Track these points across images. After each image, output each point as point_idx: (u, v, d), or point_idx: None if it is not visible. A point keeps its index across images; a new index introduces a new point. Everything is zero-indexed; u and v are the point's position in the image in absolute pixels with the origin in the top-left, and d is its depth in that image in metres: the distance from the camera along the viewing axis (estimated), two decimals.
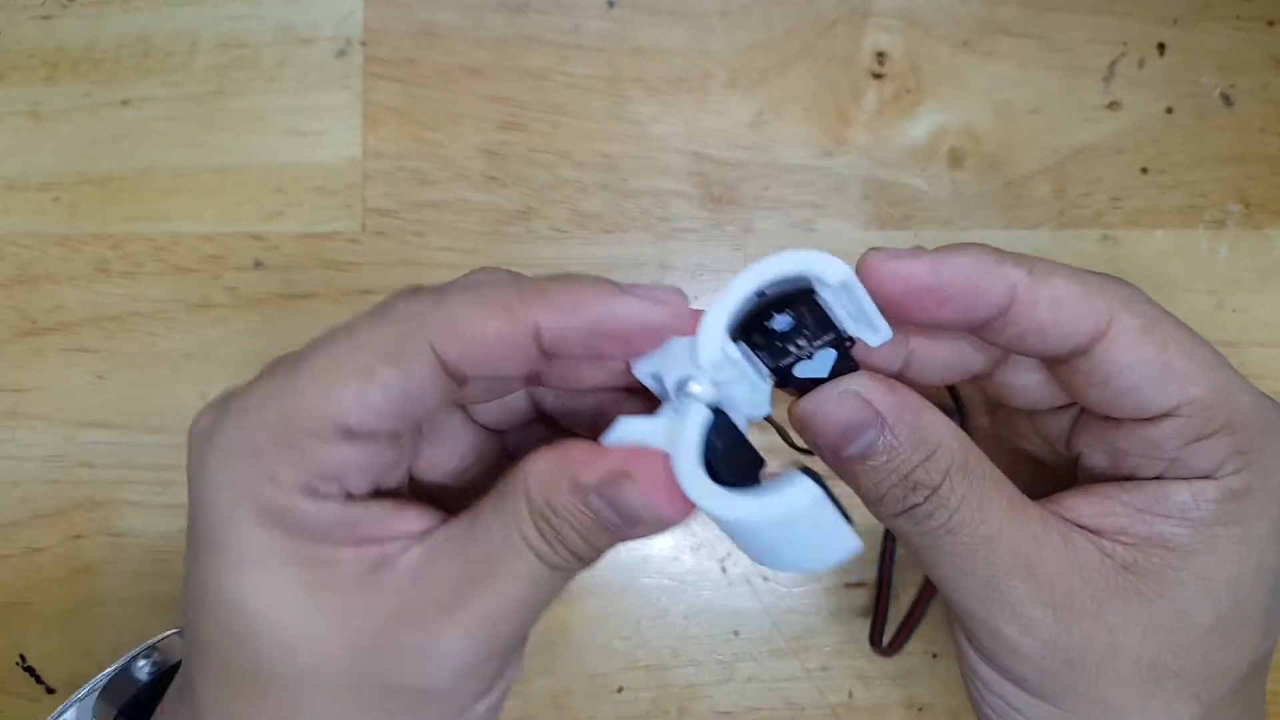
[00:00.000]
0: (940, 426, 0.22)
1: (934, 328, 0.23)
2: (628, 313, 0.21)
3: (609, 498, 0.21)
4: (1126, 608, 0.22)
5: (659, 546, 0.37)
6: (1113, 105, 0.38)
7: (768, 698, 0.36)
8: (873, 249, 0.22)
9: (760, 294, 0.21)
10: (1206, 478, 0.22)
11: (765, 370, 0.22)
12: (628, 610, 0.36)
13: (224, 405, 0.23)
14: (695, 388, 0.21)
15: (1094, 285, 0.22)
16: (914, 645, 0.37)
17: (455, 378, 0.22)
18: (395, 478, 0.24)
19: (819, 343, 0.22)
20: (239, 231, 0.37)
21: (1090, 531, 0.22)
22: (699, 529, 0.37)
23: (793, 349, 0.22)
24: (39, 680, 0.36)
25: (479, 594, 0.21)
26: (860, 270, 0.21)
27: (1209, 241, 0.38)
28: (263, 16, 0.38)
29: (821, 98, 0.38)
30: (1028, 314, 0.21)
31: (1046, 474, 0.26)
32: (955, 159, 0.38)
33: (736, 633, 0.37)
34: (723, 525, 0.21)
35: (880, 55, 0.38)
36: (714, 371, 0.21)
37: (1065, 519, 0.23)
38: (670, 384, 0.22)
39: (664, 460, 0.21)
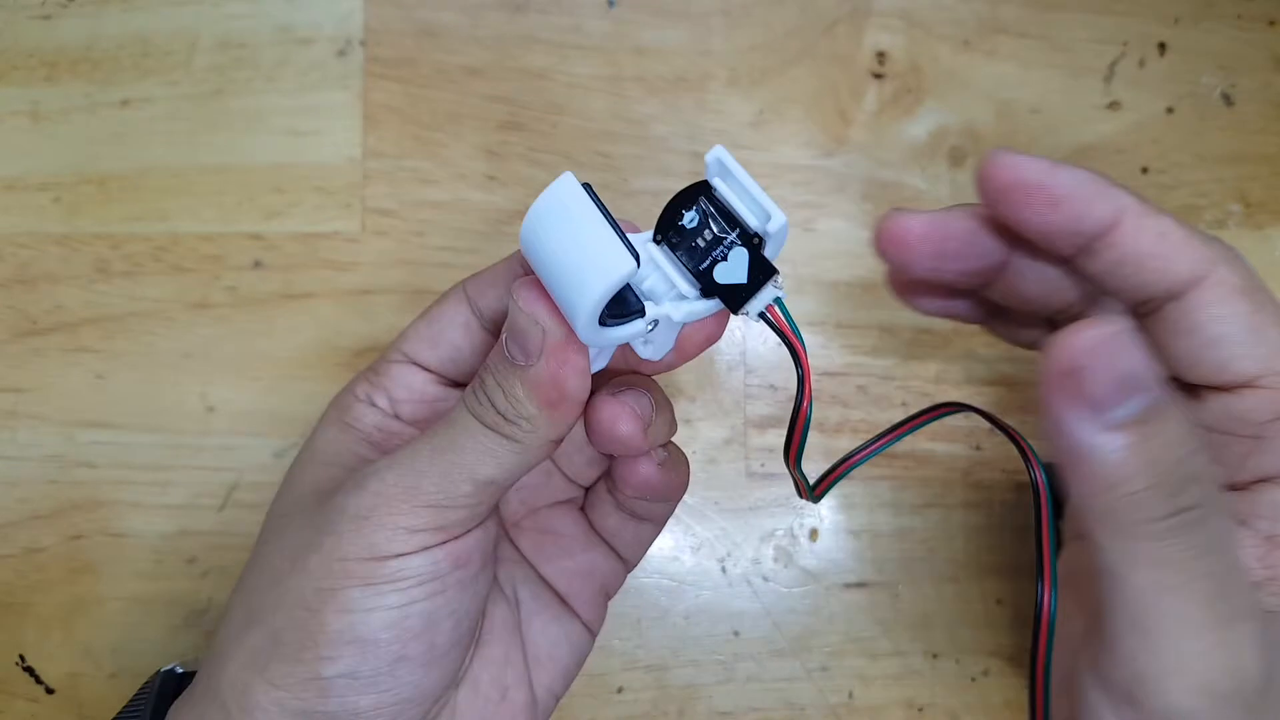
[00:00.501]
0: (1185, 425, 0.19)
1: (1035, 249, 0.23)
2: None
3: (508, 330, 0.23)
4: None
5: (659, 546, 0.37)
6: (1113, 105, 0.38)
7: (768, 698, 0.36)
8: (995, 149, 0.22)
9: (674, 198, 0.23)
10: None
11: (688, 274, 0.23)
12: (627, 610, 0.36)
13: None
14: None
15: (1200, 235, 0.21)
16: (914, 645, 0.37)
17: (479, 317, 0.27)
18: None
19: (728, 239, 0.22)
20: (238, 231, 0.37)
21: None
22: (699, 529, 0.37)
23: (700, 244, 0.22)
24: (38, 680, 0.36)
25: (420, 442, 0.24)
26: (982, 164, 0.22)
27: None
28: (262, 16, 0.37)
29: (822, 97, 0.38)
30: (1132, 239, 0.21)
31: None
32: (956, 159, 0.38)
33: (736, 633, 0.37)
34: (530, 258, 0.22)
35: (881, 55, 0.38)
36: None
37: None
38: None
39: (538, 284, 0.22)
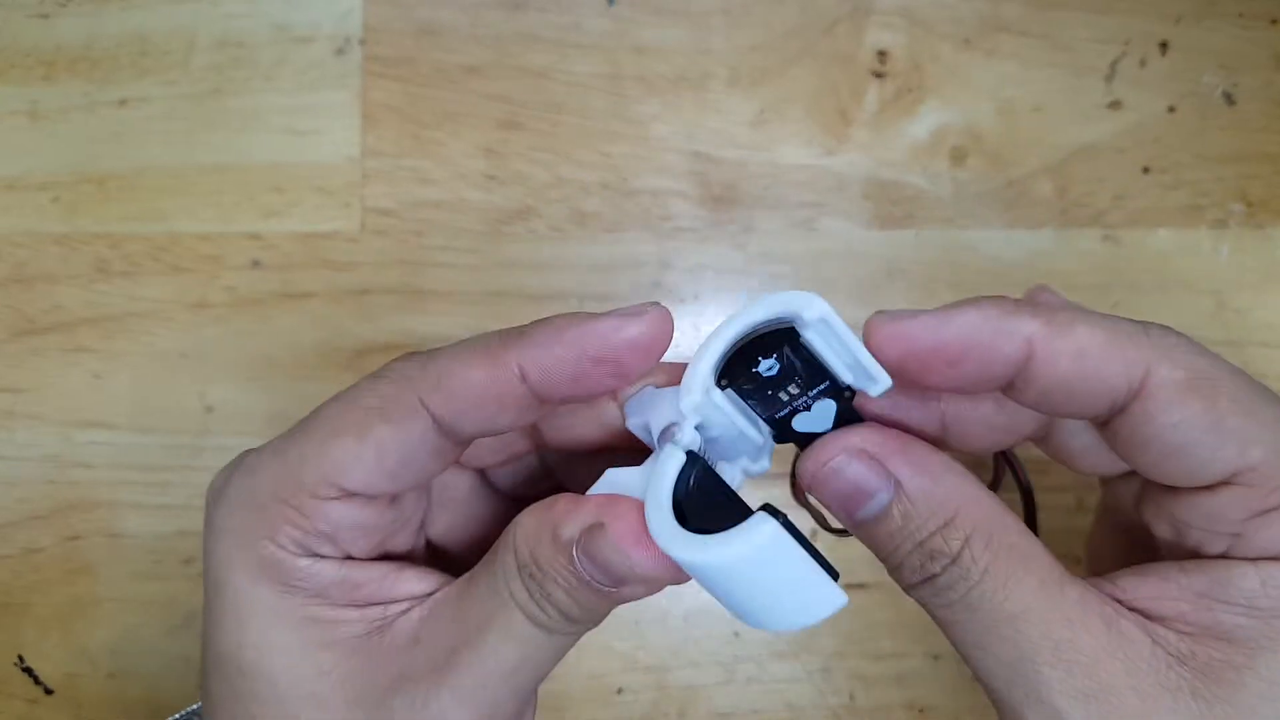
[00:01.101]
0: (962, 490, 0.20)
1: (960, 390, 0.21)
2: (604, 329, 0.20)
3: (588, 551, 0.20)
4: (1176, 707, 0.19)
5: None
6: (1115, 104, 0.38)
7: (768, 699, 0.36)
8: (877, 312, 0.20)
9: (747, 339, 0.20)
10: (1277, 559, 0.19)
11: (760, 421, 0.21)
12: (627, 611, 0.36)
13: (237, 463, 0.23)
14: (677, 434, 0.20)
15: (1125, 334, 0.19)
16: (915, 647, 0.36)
17: (452, 436, 0.21)
18: (403, 541, 0.24)
19: (814, 392, 0.21)
20: (237, 231, 0.37)
21: (1144, 615, 0.20)
22: None
23: (784, 397, 0.21)
24: (37, 681, 0.36)
25: (469, 656, 0.21)
26: (865, 335, 0.20)
27: (1211, 241, 0.38)
28: (261, 15, 0.37)
29: (822, 97, 0.38)
30: (1049, 370, 0.19)
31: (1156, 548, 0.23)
32: (957, 158, 0.38)
33: (737, 634, 0.36)
34: (695, 574, 0.20)
35: (881, 54, 0.38)
36: (695, 415, 0.20)
37: (1116, 600, 0.20)
38: (656, 432, 0.21)
39: (637, 507, 0.20)
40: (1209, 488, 0.20)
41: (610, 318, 0.20)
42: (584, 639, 0.36)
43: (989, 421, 0.22)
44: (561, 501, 0.21)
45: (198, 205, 0.37)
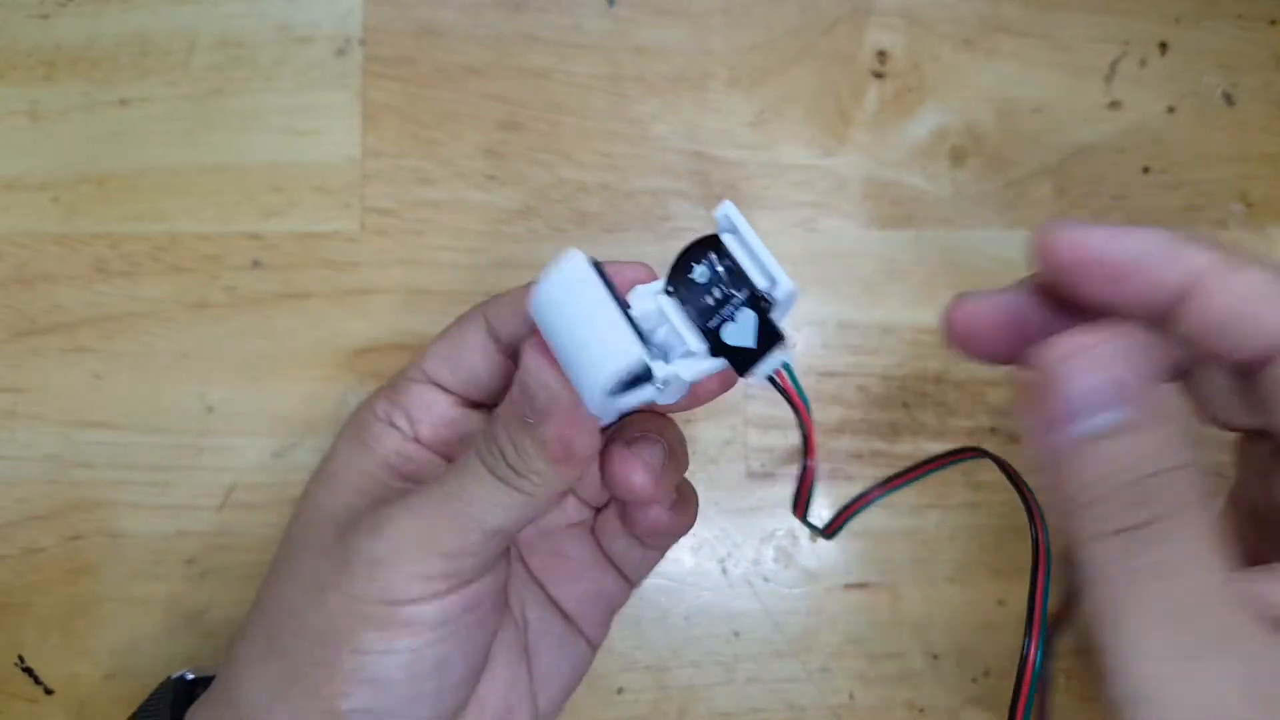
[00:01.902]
0: (1184, 438, 0.18)
1: (1114, 310, 0.20)
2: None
3: (518, 384, 0.23)
4: None
5: None
6: (1114, 104, 0.38)
7: (768, 699, 0.36)
8: (1049, 223, 0.20)
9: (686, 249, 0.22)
10: None
11: (699, 332, 0.22)
12: (627, 611, 0.36)
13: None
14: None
15: None
16: (915, 646, 0.36)
17: (496, 340, 0.27)
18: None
19: (735, 298, 0.22)
20: (237, 231, 0.37)
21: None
22: (700, 529, 0.37)
23: (710, 301, 0.22)
24: (37, 681, 0.36)
25: (426, 486, 0.25)
26: (1035, 236, 0.20)
27: None
28: (261, 15, 0.37)
29: (822, 97, 0.38)
30: (1211, 305, 0.19)
31: None
32: (957, 158, 0.38)
33: (737, 634, 0.36)
34: (540, 324, 0.22)
35: (881, 54, 0.38)
36: (644, 321, 0.22)
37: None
38: None
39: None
40: None
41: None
42: None
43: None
44: None
45: (198, 205, 0.37)
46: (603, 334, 0.21)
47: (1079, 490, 0.18)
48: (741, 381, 0.24)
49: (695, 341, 0.22)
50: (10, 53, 0.37)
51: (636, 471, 0.26)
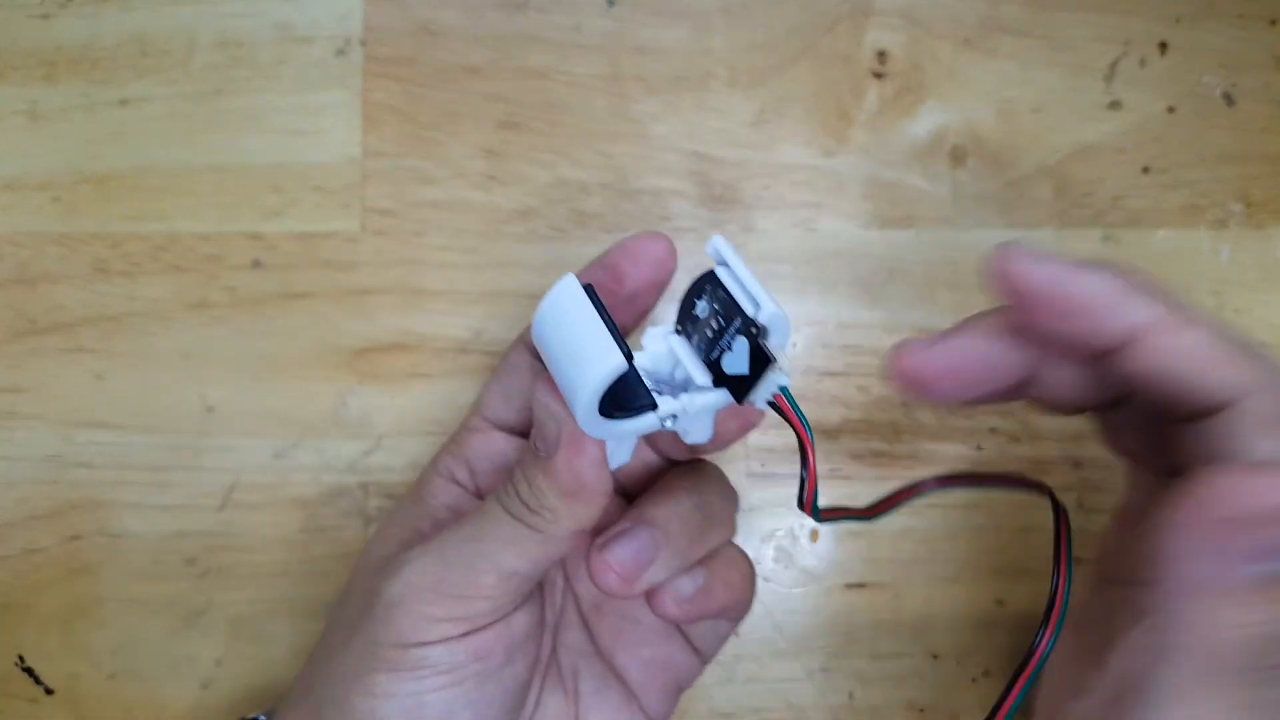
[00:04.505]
0: None
1: (1052, 343, 0.21)
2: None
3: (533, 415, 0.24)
4: None
5: None
6: (1114, 104, 0.38)
7: (768, 699, 0.36)
8: (1013, 245, 0.20)
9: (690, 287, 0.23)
10: None
11: (700, 365, 0.23)
12: None
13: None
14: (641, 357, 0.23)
15: (1243, 350, 0.20)
16: (915, 647, 0.37)
17: None
18: None
19: (730, 328, 0.22)
20: (237, 231, 0.37)
21: None
22: None
23: (709, 334, 0.22)
24: (37, 681, 0.36)
25: (450, 529, 0.25)
26: (992, 259, 0.21)
27: (1211, 241, 0.38)
28: (261, 15, 0.37)
29: (822, 97, 0.38)
30: (1155, 354, 0.19)
31: None
32: (956, 158, 0.38)
33: (737, 633, 0.36)
34: (543, 351, 0.23)
35: (881, 54, 0.38)
36: (653, 364, 0.23)
37: None
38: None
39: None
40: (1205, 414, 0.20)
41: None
42: None
43: (1069, 380, 0.23)
44: None
45: (198, 205, 0.37)
46: (587, 349, 0.21)
47: (1248, 623, 0.18)
48: (764, 413, 0.24)
49: (700, 374, 0.23)
50: (10, 53, 0.37)
51: (602, 575, 0.25)
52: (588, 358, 0.21)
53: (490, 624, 0.24)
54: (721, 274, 0.23)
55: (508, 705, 0.26)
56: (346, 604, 0.27)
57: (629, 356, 0.21)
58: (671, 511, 0.26)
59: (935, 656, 0.37)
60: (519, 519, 0.24)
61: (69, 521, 0.36)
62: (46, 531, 0.36)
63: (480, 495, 0.28)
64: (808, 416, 0.23)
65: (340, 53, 0.37)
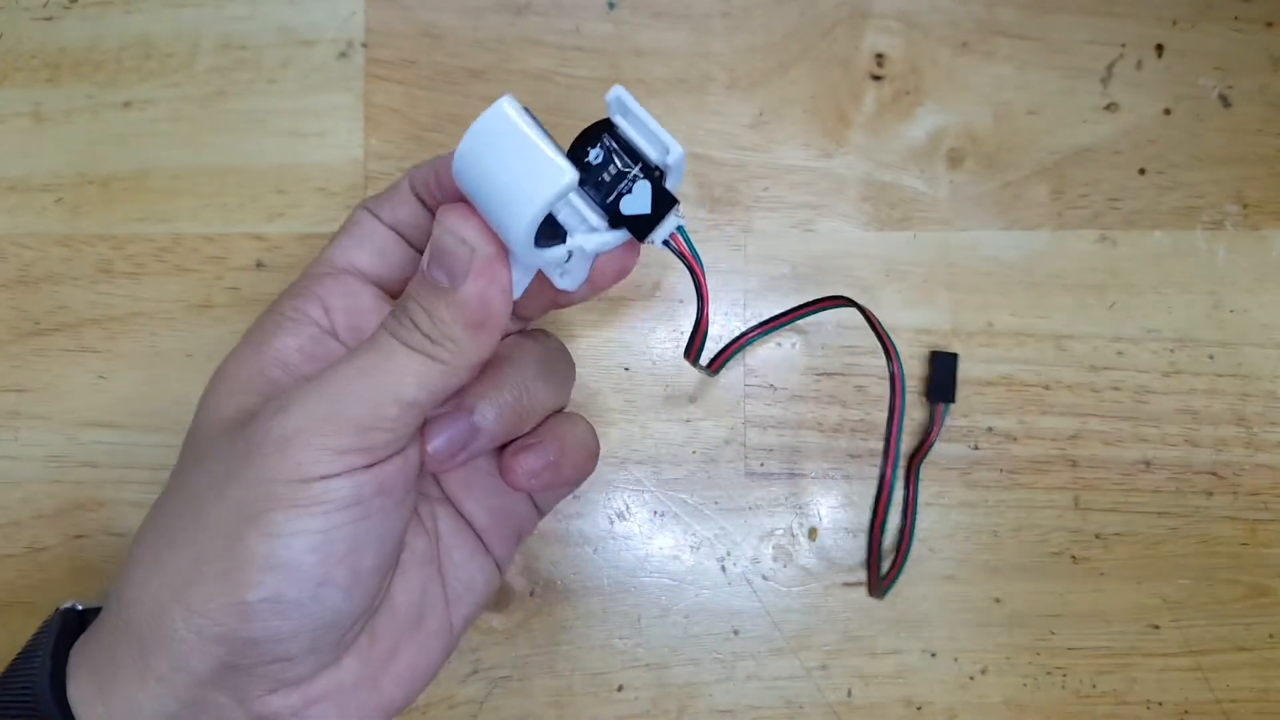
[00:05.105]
0: None
1: None
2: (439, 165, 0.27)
3: (431, 252, 0.24)
4: None
5: (659, 545, 0.37)
6: (1111, 106, 0.38)
7: (767, 696, 0.36)
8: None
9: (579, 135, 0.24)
10: None
11: (598, 208, 0.24)
12: (627, 609, 0.37)
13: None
14: None
15: None
16: (913, 644, 0.37)
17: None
18: None
19: (631, 174, 0.24)
20: (241, 232, 0.37)
21: None
22: (699, 528, 0.37)
23: (607, 179, 0.24)
24: None
25: (337, 368, 0.24)
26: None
27: (1207, 242, 0.38)
28: (264, 18, 0.38)
29: (821, 99, 0.38)
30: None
31: None
32: (954, 160, 0.38)
33: (736, 631, 0.37)
34: (461, 179, 0.23)
35: (879, 57, 0.38)
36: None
37: None
38: None
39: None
40: None
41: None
42: (583, 637, 0.36)
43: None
44: None
45: (201, 207, 0.37)
46: (537, 164, 0.22)
47: None
48: (642, 248, 0.26)
49: (595, 217, 0.24)
50: (14, 54, 0.38)
51: (428, 461, 0.26)
52: (538, 173, 0.21)
53: (391, 456, 0.24)
54: (620, 123, 0.24)
55: (399, 542, 0.26)
56: (195, 465, 0.25)
57: (576, 170, 0.22)
58: (510, 380, 0.27)
59: (933, 655, 0.37)
60: (419, 350, 0.23)
61: (73, 521, 0.36)
62: (51, 531, 0.36)
63: (337, 335, 0.27)
64: (708, 331, 0.27)
65: (342, 55, 0.38)
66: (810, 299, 0.34)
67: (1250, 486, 0.37)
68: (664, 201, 0.24)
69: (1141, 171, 0.38)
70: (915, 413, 0.37)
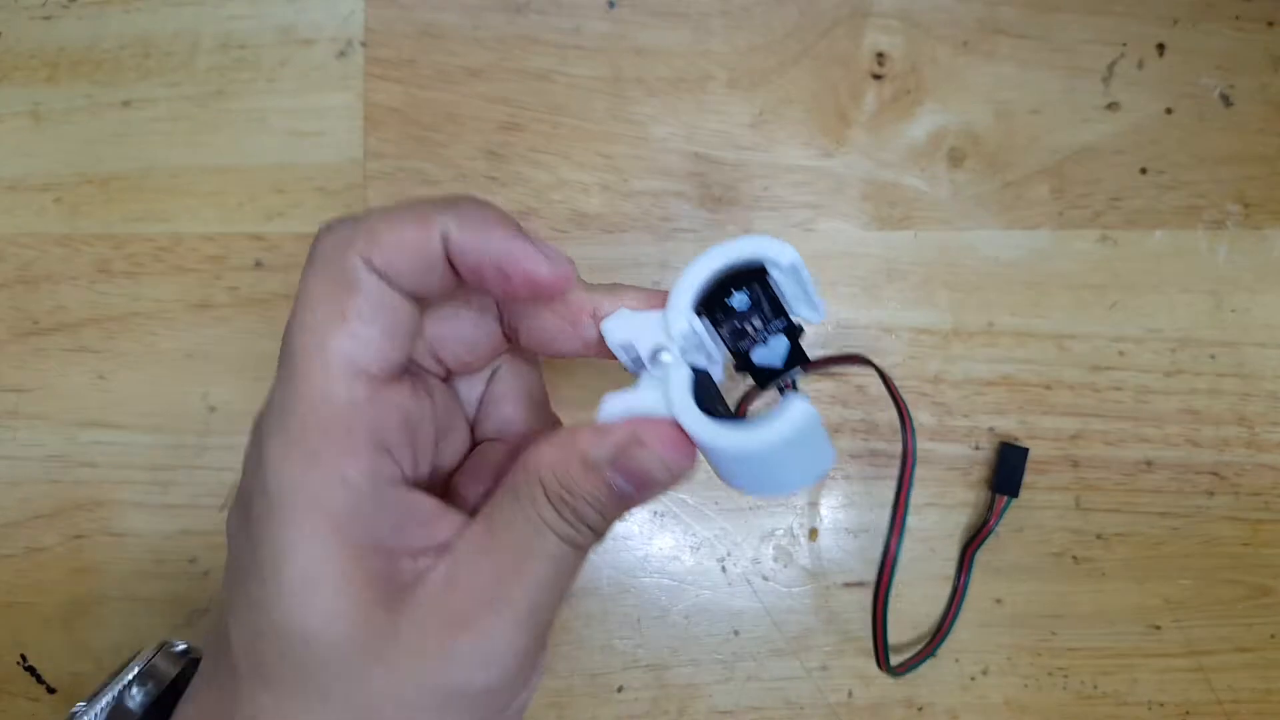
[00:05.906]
0: None
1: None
2: (517, 251, 0.22)
3: (623, 467, 0.22)
4: None
5: (659, 546, 0.37)
6: (1112, 106, 0.38)
7: (767, 697, 0.36)
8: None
9: (721, 275, 0.23)
10: None
11: (723, 348, 0.24)
12: (628, 610, 0.37)
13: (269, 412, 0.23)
14: (666, 356, 0.23)
15: None
16: (913, 644, 0.37)
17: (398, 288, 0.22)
18: (424, 462, 0.24)
19: (773, 325, 0.23)
20: (240, 232, 0.37)
21: None
22: (699, 529, 0.37)
23: (748, 329, 0.23)
24: (39, 680, 0.36)
25: (517, 584, 0.22)
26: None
27: (1208, 242, 0.38)
28: (263, 17, 0.38)
29: (821, 98, 0.38)
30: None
31: None
32: (955, 159, 0.38)
33: (736, 632, 0.37)
34: (729, 458, 0.22)
35: (880, 56, 0.38)
36: (681, 341, 0.23)
37: None
38: (644, 353, 0.23)
39: (664, 421, 0.22)
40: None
41: (528, 245, 0.22)
42: (584, 638, 0.36)
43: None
44: (580, 431, 0.23)
45: (201, 206, 0.37)
46: (813, 455, 0.22)
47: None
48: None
49: (715, 350, 0.24)
50: (13, 54, 0.38)
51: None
52: (811, 460, 0.22)
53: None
54: (774, 274, 0.23)
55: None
56: (296, 694, 0.21)
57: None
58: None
59: (933, 655, 0.37)
60: (577, 546, 0.23)
61: (72, 521, 0.36)
62: (49, 531, 0.36)
63: (404, 476, 0.23)
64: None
65: (342, 55, 0.38)
66: (828, 354, 0.34)
67: (1252, 486, 0.37)
68: (798, 360, 0.24)
69: (1143, 171, 0.38)
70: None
